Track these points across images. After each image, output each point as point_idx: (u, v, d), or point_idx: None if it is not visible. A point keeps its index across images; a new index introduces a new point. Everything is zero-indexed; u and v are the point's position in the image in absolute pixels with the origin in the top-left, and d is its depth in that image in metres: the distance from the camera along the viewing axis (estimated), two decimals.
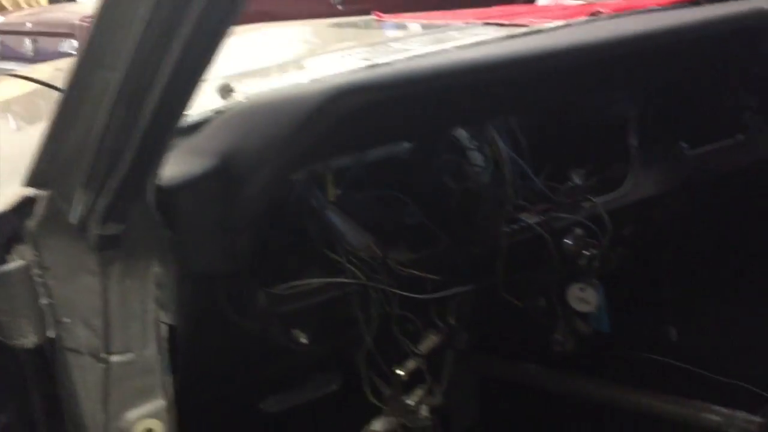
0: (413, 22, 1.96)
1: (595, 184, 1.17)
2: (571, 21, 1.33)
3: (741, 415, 1.23)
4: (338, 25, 2.24)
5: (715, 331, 1.57)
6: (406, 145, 1.13)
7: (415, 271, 0.95)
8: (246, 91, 0.92)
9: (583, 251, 1.08)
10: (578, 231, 1.10)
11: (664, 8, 1.37)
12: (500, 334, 1.25)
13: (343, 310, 0.95)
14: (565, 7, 1.72)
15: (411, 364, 1.02)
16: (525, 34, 1.26)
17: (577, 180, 1.13)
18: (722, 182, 1.28)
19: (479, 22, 1.64)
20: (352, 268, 0.94)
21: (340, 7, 6.10)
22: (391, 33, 1.89)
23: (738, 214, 1.39)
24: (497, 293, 1.05)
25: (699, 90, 1.16)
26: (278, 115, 0.77)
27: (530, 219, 1.08)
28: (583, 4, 1.62)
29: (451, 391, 1.13)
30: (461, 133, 1.15)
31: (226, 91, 0.90)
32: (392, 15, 2.21)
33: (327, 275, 0.95)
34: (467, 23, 1.67)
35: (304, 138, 0.73)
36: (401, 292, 0.92)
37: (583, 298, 1.09)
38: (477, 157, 1.14)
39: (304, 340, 0.92)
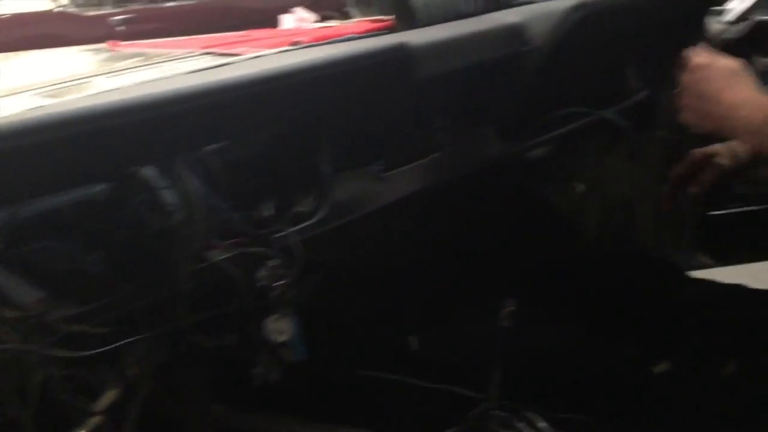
0: (142, 50, 1.90)
1: (293, 213, 1.19)
2: (271, 51, 1.35)
3: None
4: (69, 54, 2.15)
5: (450, 339, 1.67)
6: (100, 186, 1.08)
7: (81, 326, 0.90)
8: None
9: (276, 283, 1.09)
10: (271, 263, 1.10)
11: (362, 36, 1.44)
12: (200, 376, 1.23)
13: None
14: (276, 35, 1.75)
15: (92, 421, 0.96)
16: (216, 66, 1.26)
17: (269, 211, 1.14)
18: (423, 198, 1.35)
19: (199, 51, 1.63)
20: (6, 330, 0.87)
21: (118, 29, 5.88)
22: (107, 64, 1.82)
23: (445, 225, 1.49)
24: (190, 335, 1.03)
25: (388, 113, 1.21)
26: None
27: (220, 255, 1.07)
28: (288, 33, 1.66)
29: None
30: (150, 172, 1.12)
31: None
32: (128, 43, 2.15)
33: None
34: (189, 52, 1.65)
35: None
36: (56, 353, 0.87)
37: (278, 328, 1.10)
38: (168, 196, 1.12)
39: None
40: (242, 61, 1.27)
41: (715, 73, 1.15)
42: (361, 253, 1.39)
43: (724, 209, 1.96)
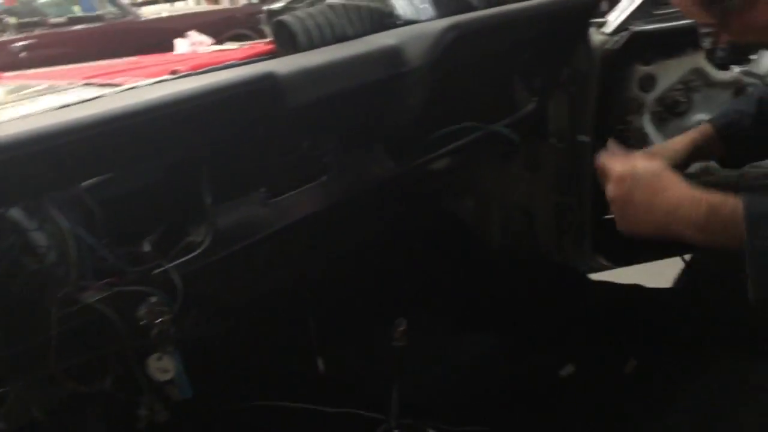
0: (24, 81, 1.84)
1: (177, 246, 1.16)
2: (146, 81, 1.33)
3: None
4: None
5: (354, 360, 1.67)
6: None
7: None
8: None
9: (157, 320, 1.07)
10: (151, 300, 1.08)
11: (242, 63, 1.43)
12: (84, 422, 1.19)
13: None
14: (164, 61, 1.72)
15: None
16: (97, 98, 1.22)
17: (149, 246, 1.12)
18: (310, 222, 1.34)
19: (81, 82, 1.59)
20: None
21: (22, 55, 5.69)
22: None
23: (343, 244, 1.49)
24: (66, 382, 0.99)
25: (266, 140, 1.20)
26: None
27: (95, 296, 1.04)
28: (177, 59, 1.64)
29: None
30: (17, 213, 1.08)
31: None
32: (12, 75, 2.08)
33: None
34: (70, 84, 1.61)
35: None
36: None
37: (162, 367, 1.07)
38: (39, 238, 1.08)
39: None
40: (116, 93, 1.24)
41: (639, 181, 1.13)
42: (253, 281, 1.37)
43: None
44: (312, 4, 5.26)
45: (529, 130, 1.88)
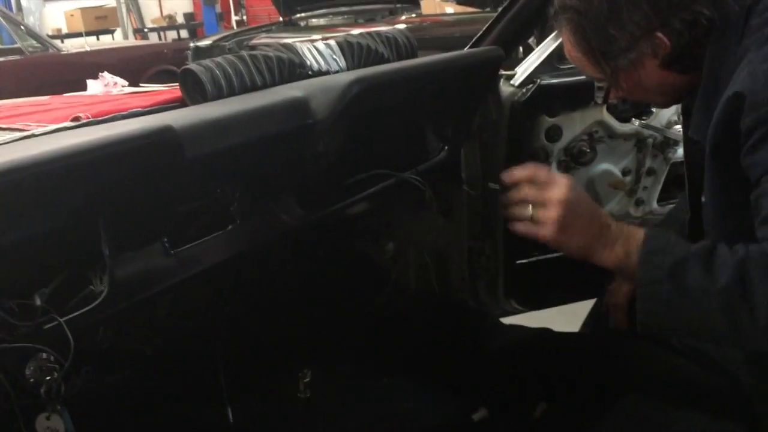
0: None
1: (72, 299, 1.13)
2: (44, 128, 1.31)
3: None
4: None
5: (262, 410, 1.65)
6: None
7: None
8: None
9: (47, 377, 1.03)
10: (41, 356, 1.04)
11: (147, 111, 1.42)
12: None
13: None
14: (73, 103, 1.70)
15: None
16: None
17: (39, 300, 1.08)
18: (215, 271, 1.33)
19: None
20: None
21: None
22: None
23: (236, 296, 1.48)
24: None
25: (162, 192, 1.19)
26: None
27: None
28: (86, 102, 1.62)
29: None
30: None
31: None
32: None
33: None
34: None
35: None
36: None
37: (51, 426, 1.03)
38: None
39: None
40: (11, 141, 1.21)
41: (584, 194, 1.25)
42: (155, 333, 1.34)
43: (530, 257, 2.09)
44: (237, 42, 5.28)
45: (441, 177, 1.93)
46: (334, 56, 1.63)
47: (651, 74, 1.29)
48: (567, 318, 2.19)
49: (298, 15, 6.77)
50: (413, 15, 6.07)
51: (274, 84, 1.49)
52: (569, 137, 2.02)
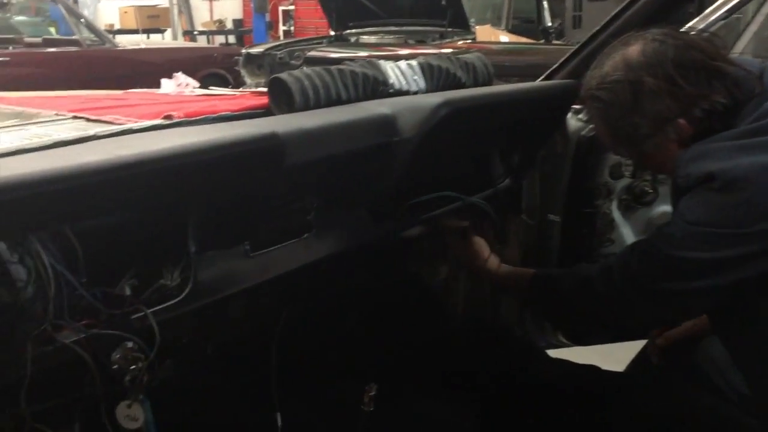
0: (6, 107, 1.83)
1: (154, 292, 1.16)
2: (141, 124, 1.34)
3: None
4: None
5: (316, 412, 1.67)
6: None
7: None
8: None
9: (131, 367, 1.06)
10: (127, 345, 1.07)
11: (236, 115, 1.45)
12: None
13: None
14: (153, 101, 1.74)
15: None
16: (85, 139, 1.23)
17: (128, 290, 1.11)
18: (294, 277, 1.35)
19: (69, 114, 1.59)
20: None
21: None
22: None
23: (327, 300, 1.49)
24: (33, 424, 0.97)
25: (252, 197, 1.22)
26: None
27: (70, 337, 1.02)
28: (166, 100, 1.66)
29: None
30: None
31: None
32: None
33: None
34: (57, 115, 1.61)
35: None
36: None
37: (131, 414, 1.06)
38: (18, 271, 1.06)
39: None
40: (111, 134, 1.24)
41: None
42: (225, 333, 1.36)
43: None
44: (288, 52, 5.35)
45: (502, 205, 1.94)
46: (415, 77, 1.65)
47: (674, 154, 1.34)
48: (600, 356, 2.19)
49: (349, 31, 6.85)
50: (467, 40, 6.10)
51: (357, 99, 1.52)
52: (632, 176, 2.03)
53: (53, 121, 1.56)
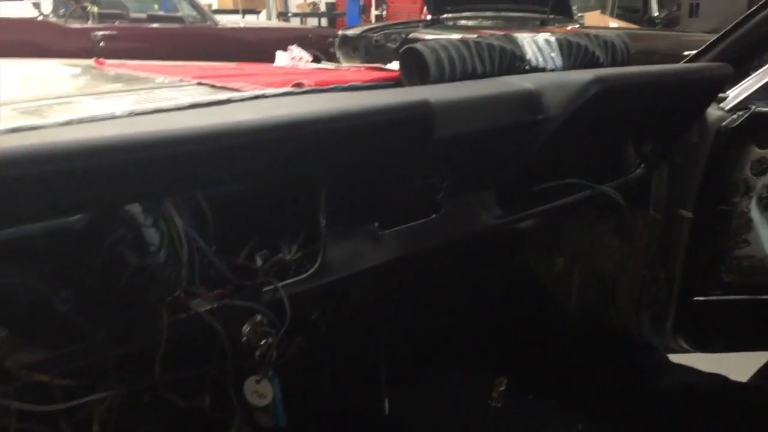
0: (129, 72, 1.83)
1: (287, 264, 1.11)
2: (274, 90, 1.29)
3: None
4: (53, 67, 2.08)
5: (427, 401, 1.60)
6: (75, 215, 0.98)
7: (44, 376, 0.80)
8: None
9: (261, 341, 1.01)
10: (257, 318, 1.02)
11: (367, 86, 1.39)
12: None
13: None
14: (271, 72, 1.69)
15: None
16: (223, 102, 1.18)
17: (259, 262, 1.06)
18: (420, 258, 1.28)
19: (194, 80, 1.57)
20: None
21: (102, 45, 5.80)
22: (95, 84, 1.74)
23: (437, 286, 1.42)
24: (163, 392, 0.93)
25: (390, 171, 1.15)
26: None
27: (203, 306, 0.98)
28: (294, 74, 1.60)
29: None
30: (134, 208, 1.03)
31: None
32: (115, 63, 2.08)
33: None
34: (181, 81, 1.59)
35: None
36: (13, 404, 0.77)
37: (259, 391, 1.01)
38: (151, 235, 1.03)
39: None
40: (244, 99, 1.20)
41: None
42: (344, 313, 1.30)
43: (710, 295, 1.93)
44: (385, 35, 5.29)
45: (629, 197, 1.81)
46: (552, 53, 1.55)
47: None
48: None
49: (446, 15, 6.72)
50: (574, 26, 5.87)
51: (492, 74, 1.43)
52: None
53: (178, 86, 1.54)
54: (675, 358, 2.06)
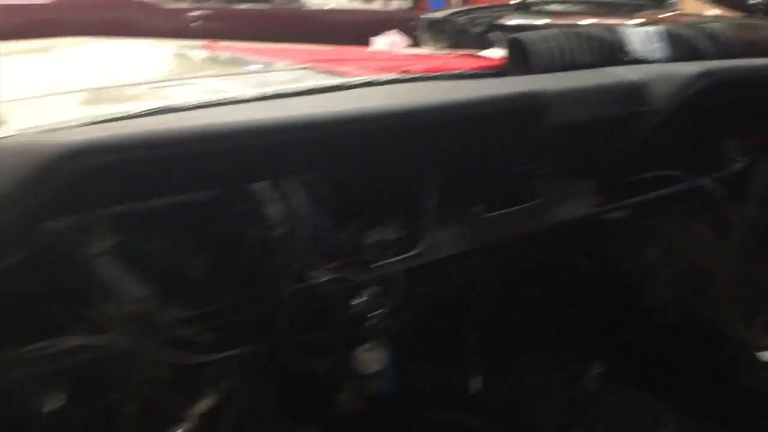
0: (239, 55, 1.92)
1: (393, 242, 1.17)
2: (381, 77, 1.35)
3: None
4: (163, 47, 2.19)
5: (517, 380, 1.64)
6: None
7: (188, 331, 0.90)
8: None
9: (373, 312, 1.08)
10: (370, 290, 1.09)
11: (473, 74, 1.43)
12: (284, 396, 1.21)
13: (105, 373, 0.88)
14: (381, 59, 1.75)
15: (187, 425, 0.96)
16: (334, 88, 1.25)
17: (373, 238, 1.13)
18: (518, 243, 1.32)
19: (299, 64, 1.64)
20: (118, 326, 0.87)
21: (193, 25, 6.00)
22: (212, 65, 1.84)
23: (533, 271, 1.46)
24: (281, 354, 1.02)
25: (495, 157, 1.19)
26: (13, 162, 0.70)
27: (320, 277, 1.06)
28: (396, 59, 1.66)
29: None
30: (263, 184, 1.11)
31: None
32: (224, 45, 2.17)
33: (90, 333, 0.87)
34: (292, 64, 1.66)
35: (36, 193, 0.66)
36: (165, 356, 0.86)
37: (371, 358, 1.08)
38: (274, 209, 1.11)
39: (52, 406, 0.84)
40: (356, 85, 1.26)
41: None
42: (448, 292, 1.36)
43: None
44: (470, 19, 5.18)
45: (730, 191, 1.79)
46: (655, 44, 1.55)
47: None
48: None
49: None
50: (672, 12, 5.69)
51: (593, 65, 1.44)
52: None
53: (286, 70, 1.61)
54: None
